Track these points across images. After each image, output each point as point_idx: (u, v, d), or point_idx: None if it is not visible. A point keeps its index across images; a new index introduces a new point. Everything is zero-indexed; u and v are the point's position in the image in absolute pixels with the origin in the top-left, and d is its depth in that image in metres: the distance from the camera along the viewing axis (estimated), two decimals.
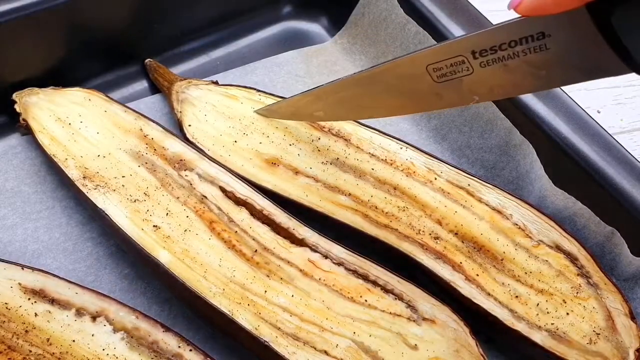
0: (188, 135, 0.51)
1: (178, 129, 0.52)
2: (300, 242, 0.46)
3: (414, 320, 0.44)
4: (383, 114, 0.48)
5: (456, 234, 0.48)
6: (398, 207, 0.49)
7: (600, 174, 0.51)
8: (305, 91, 0.48)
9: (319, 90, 0.47)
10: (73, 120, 0.50)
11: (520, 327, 0.45)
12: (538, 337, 0.44)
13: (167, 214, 0.46)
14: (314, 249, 0.46)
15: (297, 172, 0.50)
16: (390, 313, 0.44)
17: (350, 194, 0.49)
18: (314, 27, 0.66)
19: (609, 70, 0.32)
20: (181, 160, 0.49)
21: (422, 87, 0.41)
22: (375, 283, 0.45)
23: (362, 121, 0.53)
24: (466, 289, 0.46)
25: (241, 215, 0.47)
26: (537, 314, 0.45)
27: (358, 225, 0.48)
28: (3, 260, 0.44)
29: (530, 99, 0.54)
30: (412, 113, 0.45)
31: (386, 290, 0.45)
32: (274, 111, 0.51)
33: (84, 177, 0.47)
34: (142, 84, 0.58)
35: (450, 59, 0.38)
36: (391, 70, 0.42)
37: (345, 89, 0.46)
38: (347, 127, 0.53)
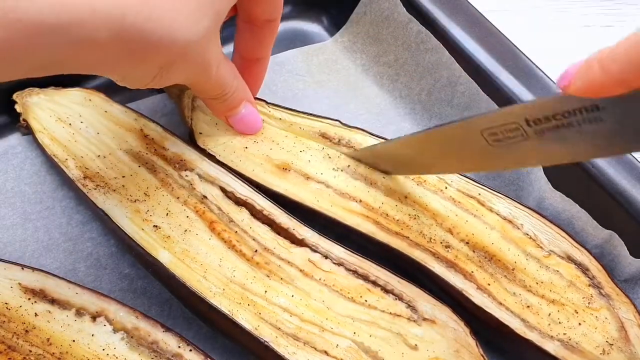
0: (199, 143, 0.51)
1: (181, 132, 0.52)
2: (300, 242, 0.46)
3: (414, 321, 0.44)
4: (441, 172, 0.50)
5: (467, 243, 0.48)
6: (409, 215, 0.49)
7: (600, 174, 0.51)
8: (371, 145, 0.51)
9: (380, 148, 0.50)
10: (73, 121, 0.50)
11: (532, 336, 0.44)
12: (551, 347, 0.44)
13: (167, 214, 0.46)
14: (314, 249, 0.46)
15: (308, 177, 0.50)
16: (391, 313, 0.44)
17: (361, 201, 0.49)
18: (314, 27, 0.66)
19: None
20: (181, 160, 0.49)
21: (477, 149, 0.41)
22: (375, 283, 0.45)
23: (371, 130, 0.53)
24: (478, 298, 0.45)
25: (241, 216, 0.47)
26: (549, 324, 0.45)
27: (369, 232, 0.48)
28: (3, 260, 0.44)
29: (529, 98, 0.54)
30: (470, 172, 0.48)
31: (386, 290, 0.45)
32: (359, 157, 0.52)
33: (84, 177, 0.47)
34: None
35: (504, 125, 0.38)
36: (445, 133, 0.43)
37: (401, 149, 0.48)
38: (357, 136, 0.52)
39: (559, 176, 0.53)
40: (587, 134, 0.35)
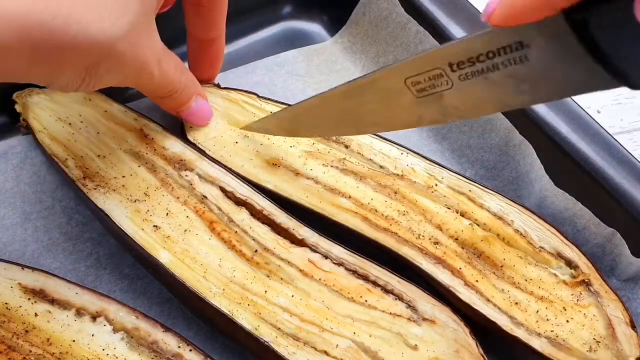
0: (189, 137, 0.51)
1: (179, 130, 0.52)
2: (300, 243, 0.46)
3: (414, 321, 0.44)
4: (368, 131, 0.46)
5: (456, 239, 0.48)
6: (398, 211, 0.49)
7: (600, 174, 0.51)
8: (287, 107, 0.47)
9: (298, 106, 0.46)
10: (73, 120, 0.50)
11: (519, 333, 0.44)
12: (537, 344, 0.44)
13: (167, 214, 0.46)
14: (314, 249, 0.46)
15: (297, 173, 0.50)
16: (391, 313, 0.44)
17: (350, 197, 0.49)
18: (314, 27, 0.66)
19: (595, 84, 0.31)
20: (181, 160, 0.49)
21: (403, 102, 0.39)
22: (375, 283, 0.45)
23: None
24: (465, 295, 0.46)
25: (241, 216, 0.47)
26: (537, 321, 0.45)
27: (357, 228, 0.48)
28: (3, 260, 0.44)
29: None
30: (396, 130, 0.43)
31: (386, 290, 0.45)
32: (259, 128, 0.50)
33: (84, 177, 0.47)
34: None
35: (427, 71, 0.36)
36: (370, 84, 0.40)
37: (324, 105, 0.44)
38: None
39: (558, 176, 0.53)
40: (514, 77, 0.33)
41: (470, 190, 0.50)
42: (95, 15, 0.34)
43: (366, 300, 0.45)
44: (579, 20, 0.29)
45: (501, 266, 0.47)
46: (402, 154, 0.52)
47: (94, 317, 0.42)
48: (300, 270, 0.45)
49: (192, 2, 0.47)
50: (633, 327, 0.45)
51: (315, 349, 0.42)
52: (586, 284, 0.47)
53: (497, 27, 0.31)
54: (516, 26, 0.31)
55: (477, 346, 0.43)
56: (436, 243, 0.48)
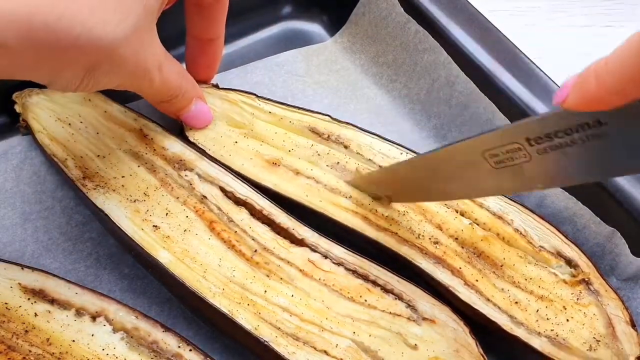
0: (189, 137, 0.51)
1: (178, 130, 0.52)
2: (300, 242, 0.46)
3: (413, 320, 0.44)
4: (446, 198, 0.48)
5: (456, 239, 0.48)
6: (398, 211, 0.49)
7: None
8: (382, 168, 0.50)
9: (378, 174, 0.49)
10: (73, 121, 0.50)
11: (519, 332, 0.44)
12: (537, 343, 0.44)
13: (166, 214, 0.46)
14: (314, 249, 0.46)
15: (297, 172, 0.50)
16: (390, 313, 0.44)
17: (350, 197, 0.49)
18: (314, 27, 0.66)
19: None
20: (181, 160, 0.49)
21: (480, 173, 0.40)
22: (375, 283, 0.45)
23: (362, 124, 0.53)
24: (465, 294, 0.46)
25: (241, 215, 0.47)
26: (537, 320, 0.45)
27: (358, 227, 0.48)
28: (3, 260, 0.44)
29: (530, 99, 0.54)
30: (475, 198, 0.46)
31: (386, 290, 0.45)
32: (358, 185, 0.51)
33: (83, 177, 0.47)
34: None
35: (505, 145, 0.37)
36: (447, 156, 0.41)
37: (403, 174, 0.46)
38: (348, 133, 0.52)
39: None
40: (592, 152, 0.33)
41: None
42: (99, 18, 0.34)
43: (366, 300, 0.45)
44: None
45: (501, 265, 0.47)
46: (401, 153, 0.52)
47: (93, 317, 0.42)
48: (300, 270, 0.45)
49: (193, 2, 0.47)
50: (633, 325, 0.45)
51: (315, 348, 0.42)
52: (586, 283, 0.47)
53: (566, 109, 0.31)
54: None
55: (476, 345, 0.43)
56: (436, 243, 0.48)
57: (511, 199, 0.50)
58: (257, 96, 0.54)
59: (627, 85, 0.28)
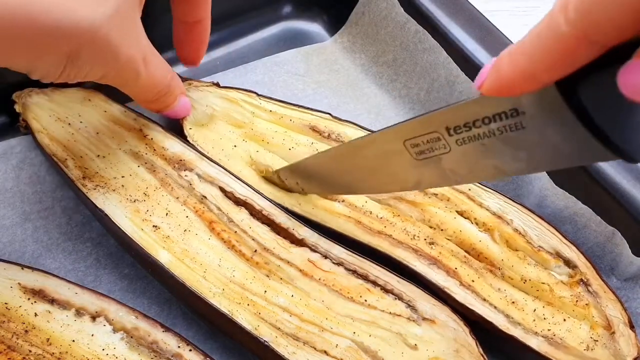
0: (189, 138, 0.51)
1: (178, 130, 0.52)
2: (300, 242, 0.46)
3: (413, 320, 0.44)
4: (366, 192, 0.45)
5: (454, 239, 0.48)
6: (393, 213, 0.49)
7: (600, 174, 0.51)
8: (291, 164, 0.48)
9: (298, 164, 0.47)
10: (73, 120, 0.50)
11: (516, 332, 0.44)
12: (534, 343, 0.44)
13: (166, 214, 0.46)
14: (314, 249, 0.46)
15: None
16: (390, 313, 0.44)
17: (344, 200, 0.49)
18: (314, 27, 0.66)
19: (591, 156, 0.29)
20: (181, 160, 0.49)
21: (402, 165, 0.39)
22: (375, 283, 0.45)
23: (362, 124, 0.53)
24: (461, 295, 0.46)
25: (241, 216, 0.47)
26: (534, 320, 0.45)
27: (350, 233, 0.48)
28: (3, 260, 0.44)
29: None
30: (396, 191, 0.43)
31: (386, 290, 0.45)
32: (271, 178, 0.50)
33: (83, 177, 0.47)
34: None
35: (426, 134, 0.36)
36: (371, 144, 0.40)
37: (323, 165, 0.45)
38: (348, 131, 0.52)
39: (558, 175, 0.53)
40: (510, 144, 0.32)
41: (469, 189, 0.50)
42: (77, 1, 0.34)
43: (366, 300, 0.45)
44: (570, 90, 0.28)
45: (499, 267, 0.47)
46: None
47: (93, 317, 0.42)
48: (300, 270, 0.45)
49: None
50: (631, 327, 0.45)
51: (315, 348, 0.42)
52: (585, 283, 0.47)
53: (488, 95, 0.31)
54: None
55: (477, 345, 0.43)
56: (432, 243, 0.48)
57: (511, 199, 0.50)
58: (257, 94, 0.54)
59: (538, 67, 0.27)
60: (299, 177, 0.48)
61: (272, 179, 0.50)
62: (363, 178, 0.43)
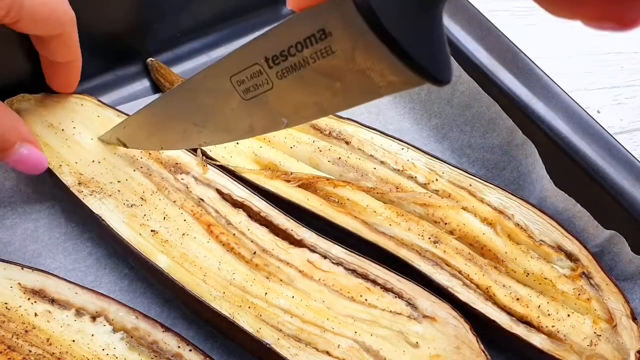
0: None
1: None
2: (299, 243, 0.46)
3: (414, 318, 0.44)
4: (202, 142, 0.41)
5: (457, 235, 0.48)
6: (397, 212, 0.49)
7: (600, 174, 0.51)
8: (129, 116, 0.46)
9: (139, 115, 0.44)
10: (66, 126, 0.50)
11: (519, 330, 0.45)
12: (537, 340, 0.44)
13: (164, 218, 0.46)
14: (313, 250, 0.46)
15: None
16: (391, 312, 0.44)
17: (349, 199, 0.49)
18: None
19: (400, 81, 0.28)
20: (177, 164, 0.49)
21: (232, 106, 0.36)
22: (374, 282, 0.45)
23: (363, 121, 0.53)
24: (464, 294, 0.46)
25: (239, 218, 0.47)
26: (538, 317, 0.45)
27: (357, 230, 0.48)
28: (3, 260, 0.44)
29: (530, 98, 0.54)
30: (231, 140, 0.40)
31: (386, 288, 0.45)
32: (108, 139, 0.48)
33: (79, 183, 0.47)
34: (141, 84, 0.58)
35: (248, 68, 0.33)
36: (199, 86, 0.37)
37: (156, 115, 0.42)
38: (349, 128, 0.52)
39: (558, 176, 0.53)
40: (325, 75, 0.30)
41: (470, 185, 0.50)
42: None
43: (366, 299, 0.45)
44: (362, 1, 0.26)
45: (503, 260, 0.47)
46: (402, 149, 0.52)
47: (93, 317, 0.42)
48: (300, 271, 0.45)
49: (34, 36, 0.45)
50: (634, 319, 0.45)
51: (317, 349, 0.42)
52: (587, 277, 0.47)
53: (296, 10, 0.29)
54: (315, 11, 0.28)
55: (477, 342, 0.43)
56: (436, 242, 0.48)
57: (512, 193, 0.50)
58: None
59: None
60: (144, 131, 0.44)
61: (110, 141, 0.47)
62: (197, 125, 0.39)
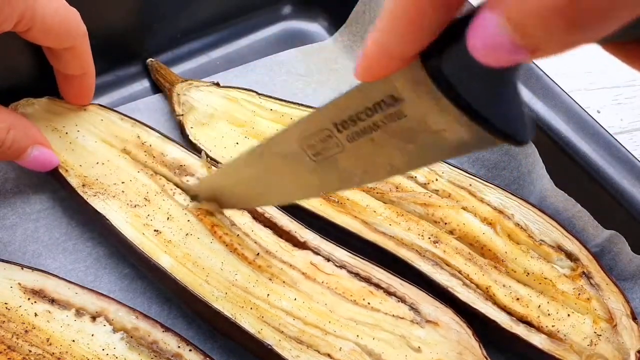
0: (190, 137, 0.51)
1: (179, 130, 0.52)
2: (302, 245, 0.46)
3: (417, 323, 0.44)
4: (276, 201, 0.43)
5: (457, 235, 0.48)
6: (397, 212, 0.49)
7: (600, 174, 0.51)
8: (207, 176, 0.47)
9: (207, 182, 0.45)
10: (70, 130, 0.50)
11: (519, 330, 0.45)
12: (537, 340, 0.44)
13: (168, 218, 0.46)
14: (316, 252, 0.46)
15: None
16: (393, 316, 0.44)
17: (349, 199, 0.49)
18: (314, 27, 0.66)
19: (477, 142, 0.27)
20: (181, 166, 0.49)
21: (302, 168, 0.36)
22: (378, 286, 0.45)
23: None
24: (464, 294, 0.46)
25: (243, 219, 0.47)
26: (539, 316, 0.45)
27: (357, 230, 0.48)
28: (3, 260, 0.44)
29: (530, 98, 0.54)
30: (302, 199, 0.41)
31: (389, 292, 0.45)
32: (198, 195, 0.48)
33: (83, 185, 0.47)
34: (141, 84, 0.58)
35: (317, 133, 0.34)
36: (268, 149, 0.38)
37: (231, 178, 0.43)
38: None
39: (558, 176, 0.53)
40: (395, 137, 0.30)
41: (470, 185, 0.51)
42: None
43: (369, 303, 0.44)
44: (433, 65, 0.25)
45: (503, 260, 0.47)
46: None
47: (93, 317, 0.42)
48: (303, 273, 0.45)
49: (47, 48, 0.46)
50: (634, 319, 0.45)
51: (319, 351, 0.42)
52: (587, 276, 0.47)
53: (365, 82, 0.29)
54: (384, 79, 0.28)
55: (480, 347, 0.43)
56: (436, 242, 0.48)
57: (512, 193, 0.50)
58: (257, 93, 0.53)
59: (390, 39, 0.25)
60: (213, 195, 0.46)
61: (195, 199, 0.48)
62: (270, 186, 0.41)
